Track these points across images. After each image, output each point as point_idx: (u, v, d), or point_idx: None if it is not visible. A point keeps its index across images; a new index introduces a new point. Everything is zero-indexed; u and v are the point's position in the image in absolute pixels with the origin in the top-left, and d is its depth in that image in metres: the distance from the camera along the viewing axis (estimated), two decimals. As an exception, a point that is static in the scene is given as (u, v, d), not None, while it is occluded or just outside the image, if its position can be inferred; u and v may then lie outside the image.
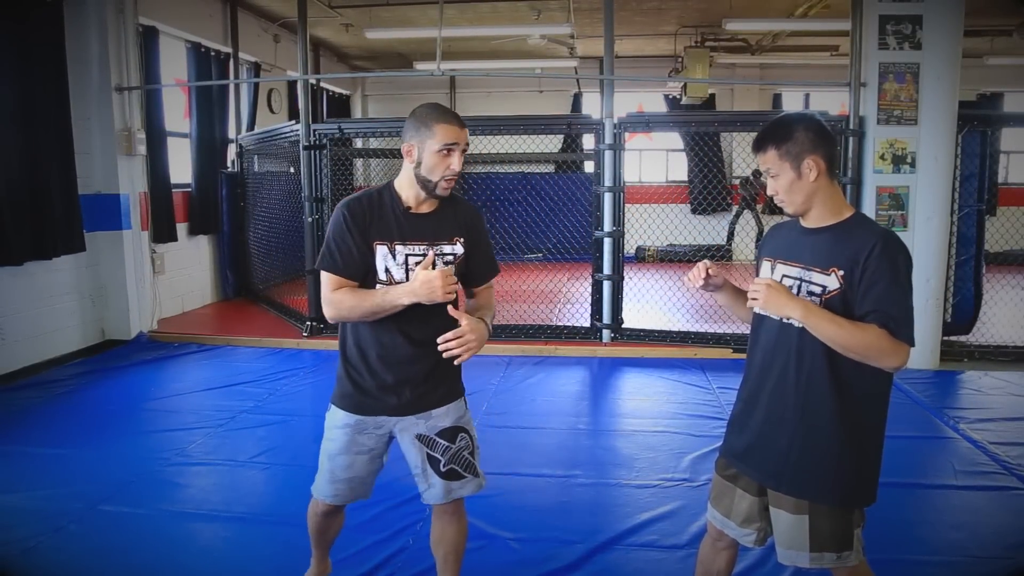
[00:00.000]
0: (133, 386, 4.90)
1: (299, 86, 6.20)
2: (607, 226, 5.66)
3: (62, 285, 5.48)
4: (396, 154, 10.96)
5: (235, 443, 3.88)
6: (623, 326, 5.83)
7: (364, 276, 1.99)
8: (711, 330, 5.78)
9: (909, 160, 5.18)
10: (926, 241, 5.16)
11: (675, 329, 5.88)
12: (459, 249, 2.05)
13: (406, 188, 2.02)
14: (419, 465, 2.09)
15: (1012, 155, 10.92)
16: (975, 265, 5.44)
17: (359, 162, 11.19)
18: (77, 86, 5.51)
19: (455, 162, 1.95)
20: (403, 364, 2.02)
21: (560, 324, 6.15)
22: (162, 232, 6.66)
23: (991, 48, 9.27)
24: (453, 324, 1.94)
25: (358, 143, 10.65)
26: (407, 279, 1.96)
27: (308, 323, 6.09)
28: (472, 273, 2.12)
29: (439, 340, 1.92)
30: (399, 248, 1.98)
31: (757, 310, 1.81)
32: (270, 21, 8.73)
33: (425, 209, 2.03)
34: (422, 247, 2.00)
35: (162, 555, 2.71)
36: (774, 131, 1.76)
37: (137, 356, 5.58)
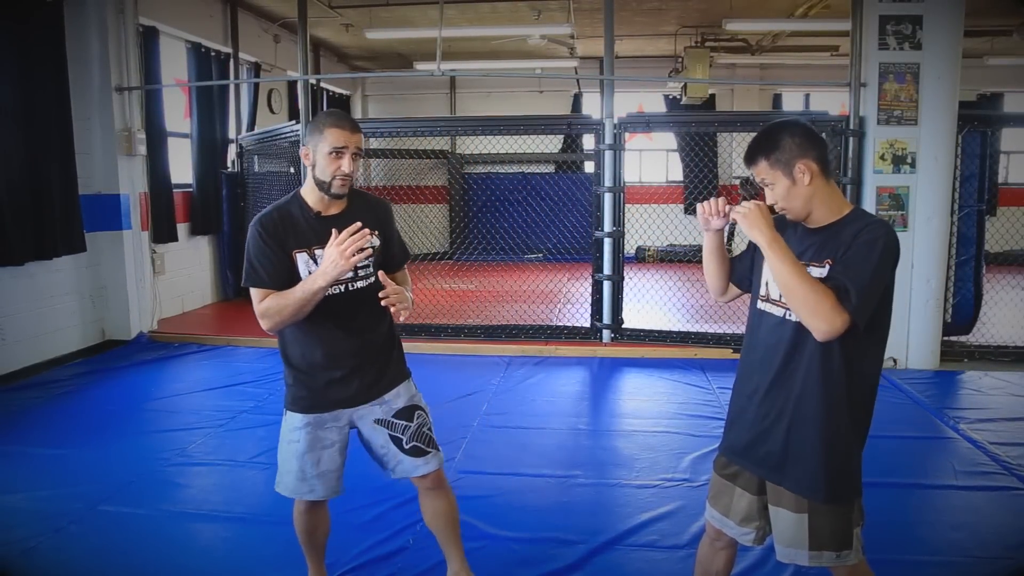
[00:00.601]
0: (133, 386, 4.90)
1: (299, 86, 6.20)
2: (607, 226, 5.66)
3: (62, 285, 5.48)
4: (396, 154, 11.00)
5: (235, 443, 3.88)
6: (623, 326, 5.83)
7: (290, 287, 2.02)
8: (711, 330, 5.78)
9: (909, 160, 5.18)
10: (926, 241, 5.16)
11: (675, 329, 5.88)
12: (376, 241, 2.13)
13: (310, 194, 2.09)
14: (383, 445, 2.20)
15: (1012, 155, 10.92)
16: (975, 265, 5.44)
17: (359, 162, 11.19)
18: (77, 86, 5.51)
19: (345, 164, 2.01)
20: (347, 356, 2.12)
21: (560, 324, 6.15)
22: (163, 232, 6.66)
23: (991, 48, 9.27)
24: (382, 309, 2.03)
25: (358, 143, 10.66)
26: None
27: (308, 323, 6.07)
28: (389, 262, 2.23)
29: (380, 295, 1.99)
30: (319, 252, 2.03)
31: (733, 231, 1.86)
32: (270, 21, 8.73)
33: (334, 211, 2.10)
34: None
35: (162, 555, 2.71)
36: (762, 142, 1.77)
37: (137, 356, 5.58)
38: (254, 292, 2.05)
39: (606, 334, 5.81)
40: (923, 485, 3.33)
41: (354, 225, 1.92)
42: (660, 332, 5.82)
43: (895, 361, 5.26)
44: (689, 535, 2.80)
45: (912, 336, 5.25)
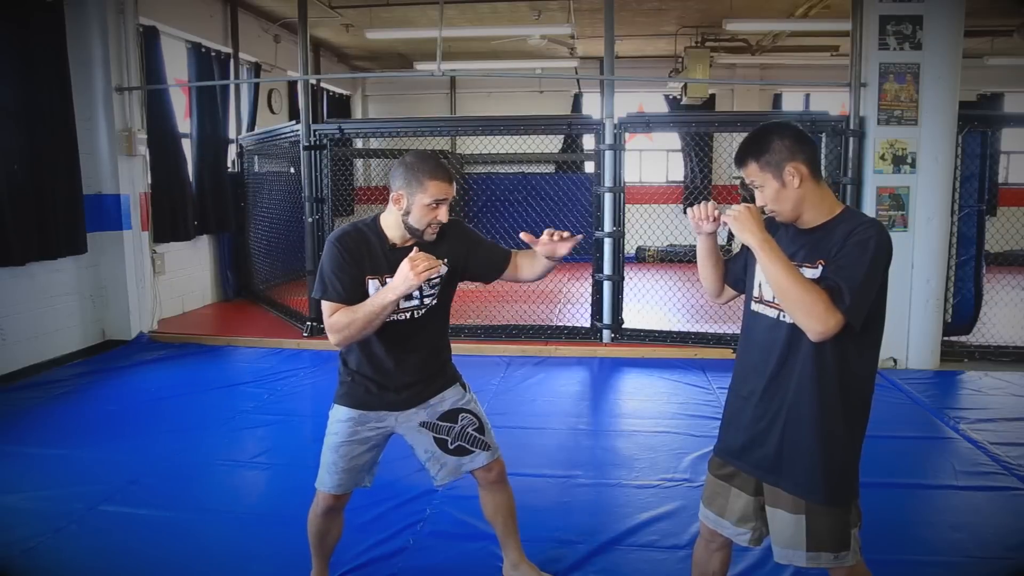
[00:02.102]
0: (133, 386, 4.90)
1: (299, 86, 6.20)
2: (607, 226, 5.66)
3: (63, 285, 5.48)
4: (396, 154, 10.98)
5: (235, 443, 3.89)
6: (623, 326, 5.83)
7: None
8: (711, 330, 5.78)
9: (909, 160, 5.18)
10: (926, 241, 5.16)
11: (675, 329, 5.88)
12: (444, 270, 2.16)
13: (392, 228, 2.14)
14: (429, 448, 2.26)
15: (1012, 155, 10.92)
16: (975, 265, 5.44)
17: (359, 162, 11.21)
18: (78, 86, 5.51)
19: (442, 214, 2.07)
20: (403, 375, 2.19)
21: (560, 324, 6.15)
22: (178, 231, 6.76)
23: (991, 48, 9.26)
24: (441, 329, 2.23)
25: (358, 143, 10.69)
26: (398, 307, 2.09)
27: (308, 323, 6.09)
28: (492, 268, 2.30)
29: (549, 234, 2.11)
30: (389, 281, 2.04)
31: (721, 235, 1.89)
32: (270, 21, 8.74)
33: (410, 243, 2.14)
34: None
35: (162, 555, 2.71)
36: (751, 144, 1.77)
37: (137, 356, 5.58)
38: (325, 306, 2.08)
39: (606, 334, 5.81)
40: (923, 485, 3.33)
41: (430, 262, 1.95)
42: (660, 332, 5.82)
43: (895, 361, 5.26)
44: (689, 535, 2.80)
45: (912, 336, 5.25)
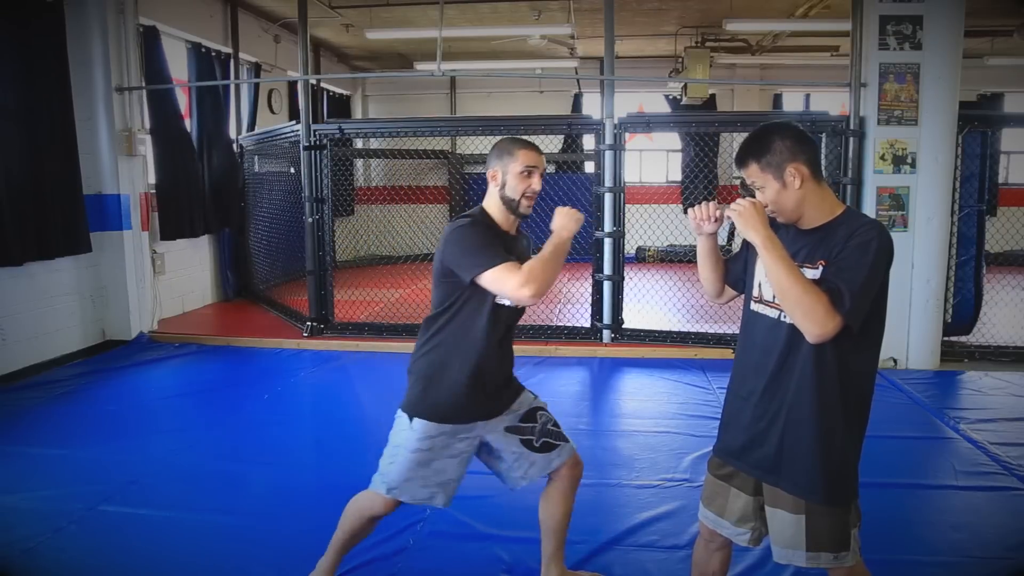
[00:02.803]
0: (133, 386, 4.90)
1: (299, 86, 6.21)
2: (607, 226, 5.66)
3: (63, 285, 5.48)
4: (396, 154, 10.98)
5: (235, 443, 3.88)
6: (623, 326, 5.83)
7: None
8: (711, 330, 5.78)
9: (909, 160, 5.18)
10: (926, 241, 5.16)
11: (675, 329, 5.88)
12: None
13: (497, 213, 2.21)
14: (515, 451, 2.27)
15: (1012, 155, 10.92)
16: (975, 265, 5.44)
17: (359, 162, 11.21)
18: (78, 87, 5.51)
19: (535, 182, 2.17)
20: (498, 370, 2.23)
21: (560, 324, 6.15)
22: (185, 228, 6.78)
23: (991, 48, 9.26)
24: (514, 324, 2.25)
25: (358, 143, 10.68)
26: None
27: (308, 323, 6.09)
28: None
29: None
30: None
31: (722, 234, 1.91)
32: (270, 21, 8.74)
33: (513, 232, 2.26)
34: None
35: (162, 555, 2.71)
36: (752, 145, 1.77)
37: (137, 356, 5.58)
38: (498, 271, 2.01)
39: (606, 334, 5.81)
40: (923, 485, 3.33)
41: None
42: (660, 332, 5.82)
43: (895, 361, 5.26)
44: (689, 535, 2.80)
45: (912, 336, 5.25)
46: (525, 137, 2.27)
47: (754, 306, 1.87)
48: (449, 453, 2.18)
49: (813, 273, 1.70)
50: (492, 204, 2.21)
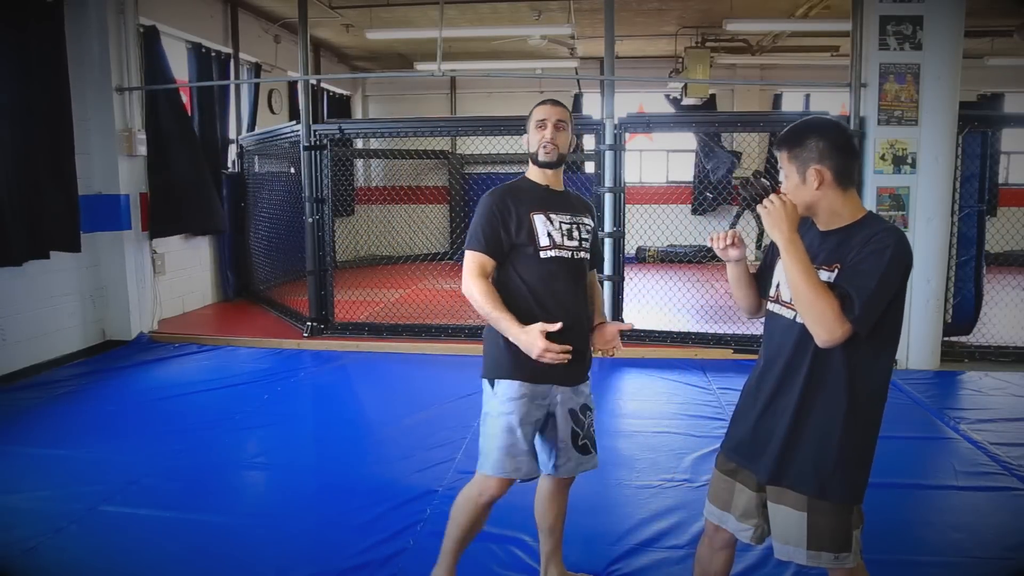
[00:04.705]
0: (133, 386, 4.90)
1: (300, 87, 6.20)
2: (608, 227, 5.66)
3: (63, 285, 5.48)
4: (396, 154, 10.97)
5: (235, 443, 3.89)
6: (623, 327, 5.82)
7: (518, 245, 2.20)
8: (711, 330, 5.78)
9: (910, 161, 5.18)
10: (927, 242, 5.16)
11: (675, 330, 5.88)
12: (591, 223, 2.33)
13: (532, 171, 2.32)
14: (565, 439, 2.23)
15: (1012, 156, 10.92)
16: (976, 266, 5.44)
17: (360, 162, 11.20)
18: (78, 87, 5.50)
19: (548, 132, 2.24)
20: (569, 320, 2.13)
21: (560, 324, 6.13)
22: (186, 227, 6.83)
23: (991, 49, 9.26)
24: (585, 301, 2.28)
25: (359, 143, 10.68)
26: (564, 243, 2.20)
27: (308, 323, 6.09)
28: (593, 259, 2.36)
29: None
30: (552, 216, 2.23)
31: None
32: (271, 22, 8.74)
33: (557, 188, 2.31)
34: (567, 216, 2.26)
35: (162, 555, 2.71)
36: (790, 133, 1.79)
37: (137, 357, 5.58)
38: (469, 256, 2.19)
39: (606, 334, 5.79)
40: (923, 485, 3.33)
41: (563, 349, 2.02)
42: (660, 332, 5.81)
43: (895, 361, 5.25)
44: (689, 535, 2.80)
45: (912, 336, 5.25)
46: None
47: (771, 306, 1.88)
48: (530, 418, 2.15)
49: (828, 276, 1.71)
50: (531, 168, 2.32)
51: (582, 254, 2.25)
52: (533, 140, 2.27)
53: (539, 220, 2.20)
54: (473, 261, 2.18)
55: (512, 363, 2.14)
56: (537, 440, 2.23)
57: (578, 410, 2.23)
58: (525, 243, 2.17)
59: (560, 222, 2.22)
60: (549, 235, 2.19)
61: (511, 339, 2.08)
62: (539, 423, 2.19)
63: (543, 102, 2.32)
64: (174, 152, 6.52)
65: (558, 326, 2.04)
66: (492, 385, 2.18)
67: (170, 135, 6.46)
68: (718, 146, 10.71)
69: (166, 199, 6.39)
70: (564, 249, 2.20)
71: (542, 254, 2.17)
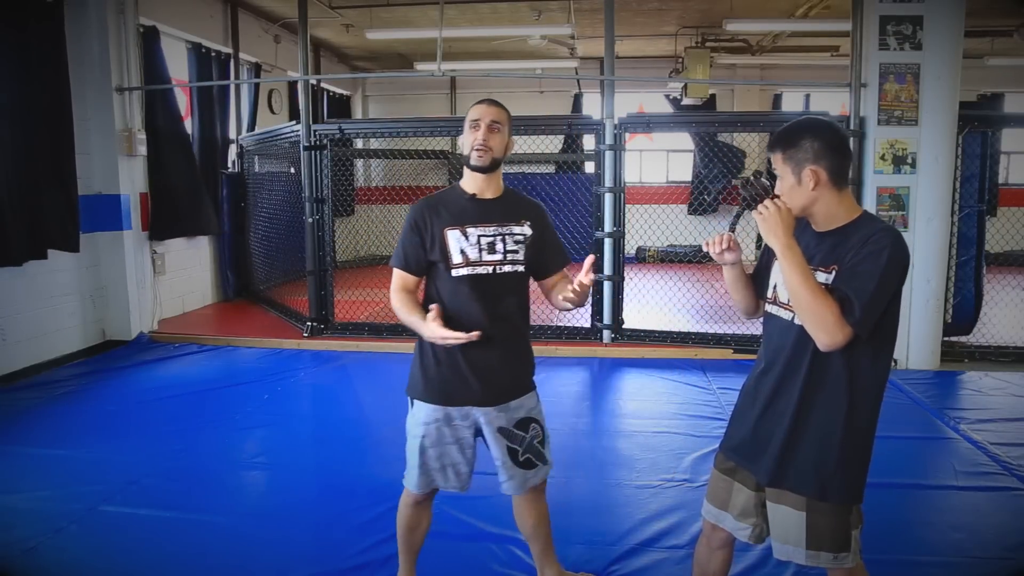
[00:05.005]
0: (133, 386, 4.90)
1: (300, 87, 6.20)
2: (608, 227, 5.66)
3: (63, 286, 5.48)
4: (397, 155, 10.97)
5: (235, 443, 3.89)
6: (623, 327, 5.83)
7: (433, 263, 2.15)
8: (711, 330, 5.78)
9: (910, 161, 5.18)
10: (927, 242, 5.16)
11: (675, 330, 5.88)
12: (527, 231, 2.19)
13: (466, 178, 2.22)
14: (501, 458, 2.20)
15: (1012, 156, 10.91)
16: (976, 266, 5.43)
17: (360, 162, 11.20)
18: (78, 87, 5.51)
19: (481, 134, 2.14)
20: (487, 344, 2.07)
21: (560, 324, 6.14)
22: (183, 228, 6.81)
23: (991, 49, 9.26)
24: (524, 306, 2.21)
25: (359, 143, 10.67)
26: (480, 258, 2.12)
27: (308, 323, 6.09)
28: (544, 264, 2.26)
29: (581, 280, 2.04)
30: (470, 231, 2.13)
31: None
32: (271, 22, 8.74)
33: (490, 196, 2.20)
34: (491, 228, 2.15)
35: (162, 555, 2.71)
36: (784, 134, 1.78)
37: (137, 357, 5.58)
38: (395, 273, 2.19)
39: (606, 334, 5.81)
40: (923, 485, 3.33)
41: (469, 336, 1.98)
42: (660, 332, 5.81)
43: (895, 361, 5.26)
44: (689, 535, 2.80)
45: (912, 336, 5.25)
46: (494, 97, 2.27)
47: (768, 307, 1.88)
48: (446, 440, 2.15)
49: (825, 278, 1.71)
50: (465, 172, 2.22)
51: (507, 267, 2.14)
52: (466, 142, 2.17)
53: (452, 236, 2.12)
54: (395, 277, 2.18)
55: (424, 386, 2.15)
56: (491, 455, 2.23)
57: (511, 427, 2.18)
58: (439, 260, 2.12)
59: (479, 236, 2.12)
60: (462, 252, 2.11)
61: (422, 335, 2.06)
62: (466, 440, 2.17)
63: (479, 101, 2.21)
64: (167, 154, 6.52)
65: (474, 335, 1.97)
66: (411, 404, 2.20)
67: (164, 137, 6.47)
68: (726, 144, 10.73)
69: (161, 201, 6.41)
70: (482, 265, 2.11)
71: (453, 272, 2.11)
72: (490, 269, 2.13)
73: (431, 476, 2.18)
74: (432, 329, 2.00)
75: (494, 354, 2.12)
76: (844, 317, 1.62)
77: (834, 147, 1.73)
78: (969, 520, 2.99)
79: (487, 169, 2.15)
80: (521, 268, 2.17)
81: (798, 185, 1.74)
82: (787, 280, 1.70)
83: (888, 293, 1.66)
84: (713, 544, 2.00)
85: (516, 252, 2.16)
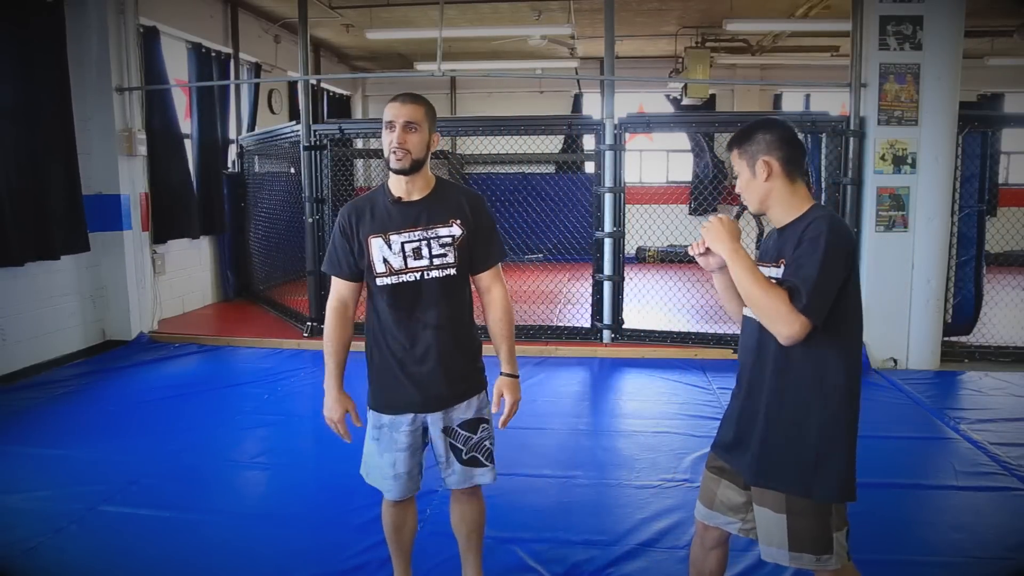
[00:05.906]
0: (134, 387, 4.90)
1: (300, 87, 6.21)
2: (608, 227, 5.66)
3: (63, 286, 5.48)
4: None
5: (235, 443, 3.89)
6: (623, 327, 5.83)
7: (361, 272, 2.12)
8: (711, 330, 5.78)
9: (910, 161, 5.18)
10: (927, 242, 5.16)
11: (675, 330, 5.88)
12: (456, 231, 2.09)
13: (391, 179, 2.12)
14: (442, 455, 2.18)
15: (1012, 156, 10.91)
16: (976, 266, 5.44)
17: (359, 162, 11.20)
18: (78, 87, 5.51)
19: (396, 135, 2.01)
20: (422, 350, 2.09)
21: (561, 325, 6.15)
22: (182, 229, 6.81)
23: (991, 49, 9.27)
24: (463, 307, 2.14)
25: (359, 143, 10.67)
26: (405, 266, 2.06)
27: (308, 323, 6.09)
28: (476, 259, 2.16)
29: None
30: (394, 238, 2.07)
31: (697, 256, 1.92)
32: (271, 22, 8.74)
33: (416, 197, 2.10)
34: (416, 233, 2.07)
35: (162, 555, 2.71)
36: (739, 134, 1.85)
37: (138, 357, 5.58)
38: (333, 280, 2.18)
39: (606, 334, 5.81)
40: (923, 485, 3.33)
41: (343, 432, 2.12)
42: (660, 332, 5.82)
43: (895, 361, 5.26)
44: (689, 535, 2.79)
45: (912, 336, 5.25)
46: (413, 92, 2.12)
47: (745, 310, 1.90)
48: (396, 446, 2.14)
49: (776, 272, 1.75)
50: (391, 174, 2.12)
51: (435, 272, 2.06)
52: (384, 144, 2.05)
53: (375, 245, 2.06)
54: (333, 285, 2.16)
55: (373, 394, 2.19)
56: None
57: (456, 427, 2.15)
58: (367, 268, 2.08)
59: (403, 243, 2.05)
60: (385, 261, 2.05)
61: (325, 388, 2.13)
62: (413, 446, 2.16)
63: (394, 98, 2.06)
64: (167, 154, 6.53)
65: (346, 439, 2.15)
66: (368, 409, 2.22)
67: (160, 138, 6.47)
68: (707, 150, 10.79)
69: (159, 202, 6.41)
70: (407, 272, 2.05)
71: (378, 281, 2.07)
72: (416, 276, 2.06)
73: (388, 482, 2.17)
74: (328, 408, 2.15)
75: (427, 366, 2.09)
76: (794, 304, 1.65)
77: (785, 139, 1.79)
78: (969, 520, 3.00)
79: (408, 171, 2.04)
80: (452, 271, 2.08)
81: (752, 179, 1.80)
82: (738, 281, 1.74)
83: (834, 277, 1.67)
84: (707, 544, 2.01)
85: (444, 255, 2.07)
